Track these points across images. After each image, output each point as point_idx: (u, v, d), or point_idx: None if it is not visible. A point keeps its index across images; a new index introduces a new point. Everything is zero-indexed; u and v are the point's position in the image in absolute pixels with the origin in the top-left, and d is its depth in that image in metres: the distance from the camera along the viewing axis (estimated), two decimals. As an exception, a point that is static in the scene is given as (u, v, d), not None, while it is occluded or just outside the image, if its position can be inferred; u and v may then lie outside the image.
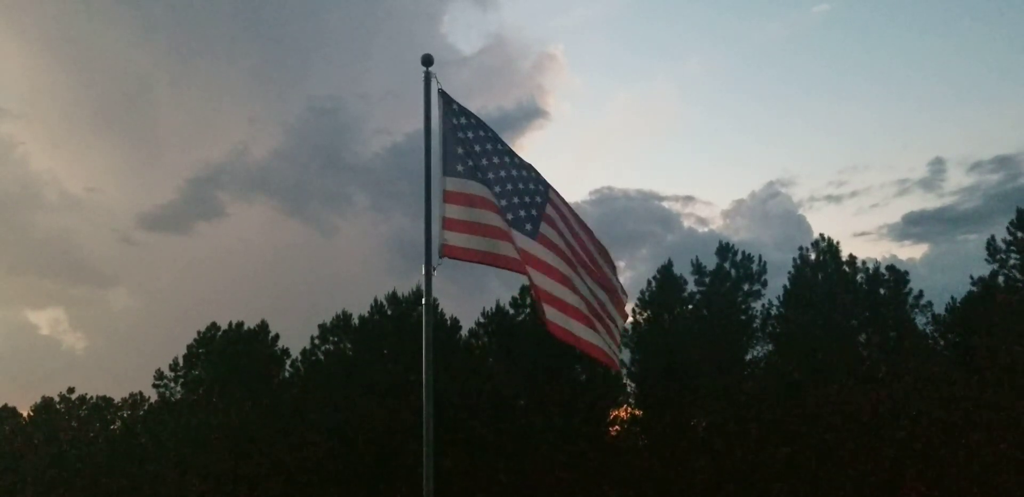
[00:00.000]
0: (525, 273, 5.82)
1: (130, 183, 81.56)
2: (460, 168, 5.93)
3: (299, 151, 79.71)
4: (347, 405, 28.40)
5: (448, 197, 5.83)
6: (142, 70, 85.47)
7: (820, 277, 27.75)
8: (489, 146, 6.09)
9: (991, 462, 21.10)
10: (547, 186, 6.18)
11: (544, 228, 6.00)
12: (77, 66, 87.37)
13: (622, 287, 6.72)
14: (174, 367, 34.19)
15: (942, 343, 26.64)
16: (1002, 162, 59.83)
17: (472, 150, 6.00)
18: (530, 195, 6.05)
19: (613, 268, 6.60)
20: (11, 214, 77.37)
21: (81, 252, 73.87)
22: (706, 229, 65.93)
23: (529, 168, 6.18)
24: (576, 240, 6.24)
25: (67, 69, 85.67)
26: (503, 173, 6.04)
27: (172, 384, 34.25)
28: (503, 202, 5.93)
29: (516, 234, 5.83)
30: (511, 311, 30.35)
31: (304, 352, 32.52)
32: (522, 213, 5.98)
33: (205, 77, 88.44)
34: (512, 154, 6.16)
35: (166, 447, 31.34)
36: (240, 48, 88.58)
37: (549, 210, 6.08)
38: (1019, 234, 25.68)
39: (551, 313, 5.85)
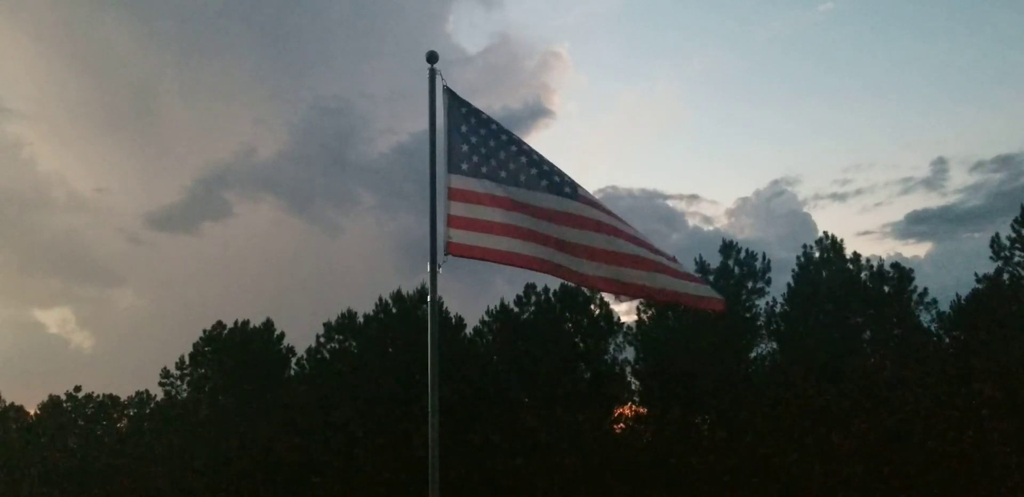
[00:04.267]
0: (530, 268, 5.88)
1: (137, 183, 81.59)
2: (464, 166, 5.93)
3: (305, 151, 79.73)
4: (352, 403, 28.47)
5: (453, 194, 5.84)
6: (149, 71, 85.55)
7: (824, 275, 27.72)
8: (502, 138, 6.08)
9: (994, 459, 21.09)
10: (575, 188, 6.12)
11: (583, 190, 6.03)
12: (85, 67, 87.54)
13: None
14: (180, 366, 34.31)
15: (947, 340, 26.59)
16: (1004, 162, 59.76)
17: (479, 146, 6.01)
18: (557, 171, 6.07)
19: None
20: (19, 214, 77.65)
21: (89, 252, 73.98)
22: (711, 227, 65.82)
23: (550, 166, 6.16)
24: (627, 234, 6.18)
25: (75, 70, 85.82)
26: (522, 159, 6.02)
27: (178, 382, 34.39)
28: (533, 170, 5.93)
29: (556, 198, 5.89)
30: (516, 309, 30.38)
31: (309, 350, 32.62)
32: (556, 178, 5.98)
33: (212, 77, 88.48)
34: (522, 143, 6.16)
35: (172, 445, 31.45)
36: (246, 49, 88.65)
37: (573, 208, 6.04)
38: (1023, 231, 25.62)
39: (599, 269, 5.89)
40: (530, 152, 6.09)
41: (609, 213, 6.06)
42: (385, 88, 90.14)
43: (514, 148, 6.05)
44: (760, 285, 28.76)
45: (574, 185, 6.01)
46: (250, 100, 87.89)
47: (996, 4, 79.24)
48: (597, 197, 6.31)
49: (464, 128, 6.02)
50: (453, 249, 5.73)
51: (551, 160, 6.13)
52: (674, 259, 6.33)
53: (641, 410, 29.07)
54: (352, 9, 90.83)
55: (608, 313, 29.95)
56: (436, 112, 6.03)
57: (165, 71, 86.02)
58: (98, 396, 40.29)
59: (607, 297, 27.51)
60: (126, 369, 58.45)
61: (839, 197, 68.72)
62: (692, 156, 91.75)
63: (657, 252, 6.10)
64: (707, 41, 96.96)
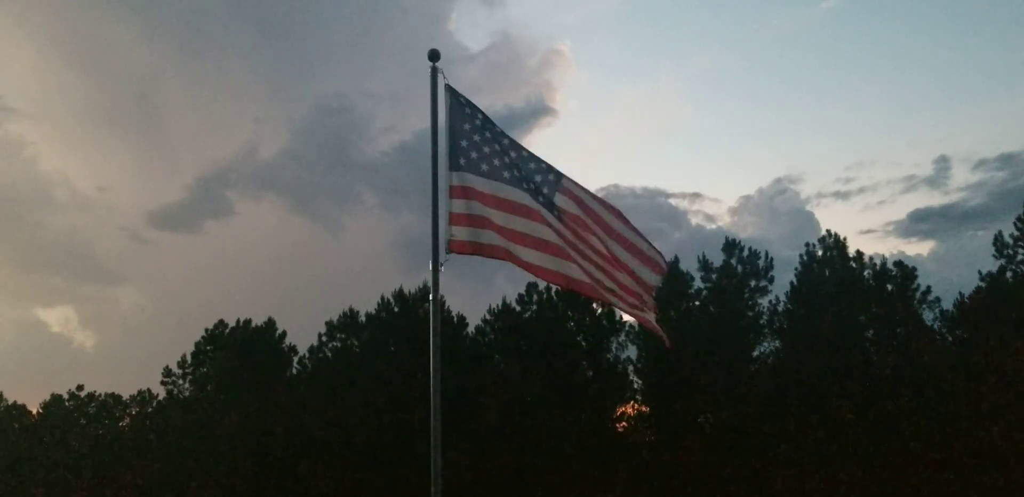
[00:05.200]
0: (526, 269, 5.96)
1: (140, 182, 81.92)
2: (463, 161, 5.94)
3: (307, 150, 79.90)
4: (354, 402, 28.46)
5: (453, 192, 5.85)
6: (151, 69, 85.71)
7: (827, 273, 27.68)
8: (497, 143, 6.10)
9: (996, 457, 21.05)
10: (559, 176, 6.21)
11: (563, 206, 6.23)
12: (86, 66, 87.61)
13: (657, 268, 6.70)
14: (182, 364, 34.34)
15: (950, 339, 26.53)
16: (1007, 160, 59.66)
17: (482, 145, 6.03)
18: (540, 186, 6.14)
19: (649, 258, 6.61)
20: (22, 213, 77.92)
21: (91, 250, 74.27)
22: (713, 226, 65.82)
23: (538, 160, 6.21)
24: (597, 228, 6.32)
25: (77, 69, 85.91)
26: (514, 171, 6.09)
27: (180, 381, 34.43)
28: (527, 184, 6.13)
29: (544, 210, 6.13)
30: (517, 308, 30.37)
31: (311, 349, 32.63)
32: (541, 198, 6.17)
33: (213, 76, 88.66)
34: (519, 148, 6.18)
35: (174, 444, 31.47)
36: (248, 47, 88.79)
37: (559, 201, 6.18)
38: (1027, 229, 25.56)
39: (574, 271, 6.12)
40: (525, 160, 6.15)
41: (587, 227, 6.17)
42: (387, 86, 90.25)
43: (512, 154, 6.09)
44: (763, 283, 28.71)
45: (551, 205, 6.13)
46: (252, 99, 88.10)
47: (999, 2, 79.09)
48: (601, 196, 6.37)
49: (467, 126, 6.03)
50: (454, 247, 5.74)
51: (549, 163, 6.23)
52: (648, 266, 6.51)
53: (643, 409, 29.04)
54: (354, 7, 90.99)
55: (610, 312, 29.91)
56: (438, 110, 6.02)
57: (167, 70, 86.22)
58: (100, 395, 40.34)
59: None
60: (128, 368, 58.63)
61: (842, 195, 68.69)
62: (694, 154, 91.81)
63: (629, 266, 6.38)
64: (709, 39, 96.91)
